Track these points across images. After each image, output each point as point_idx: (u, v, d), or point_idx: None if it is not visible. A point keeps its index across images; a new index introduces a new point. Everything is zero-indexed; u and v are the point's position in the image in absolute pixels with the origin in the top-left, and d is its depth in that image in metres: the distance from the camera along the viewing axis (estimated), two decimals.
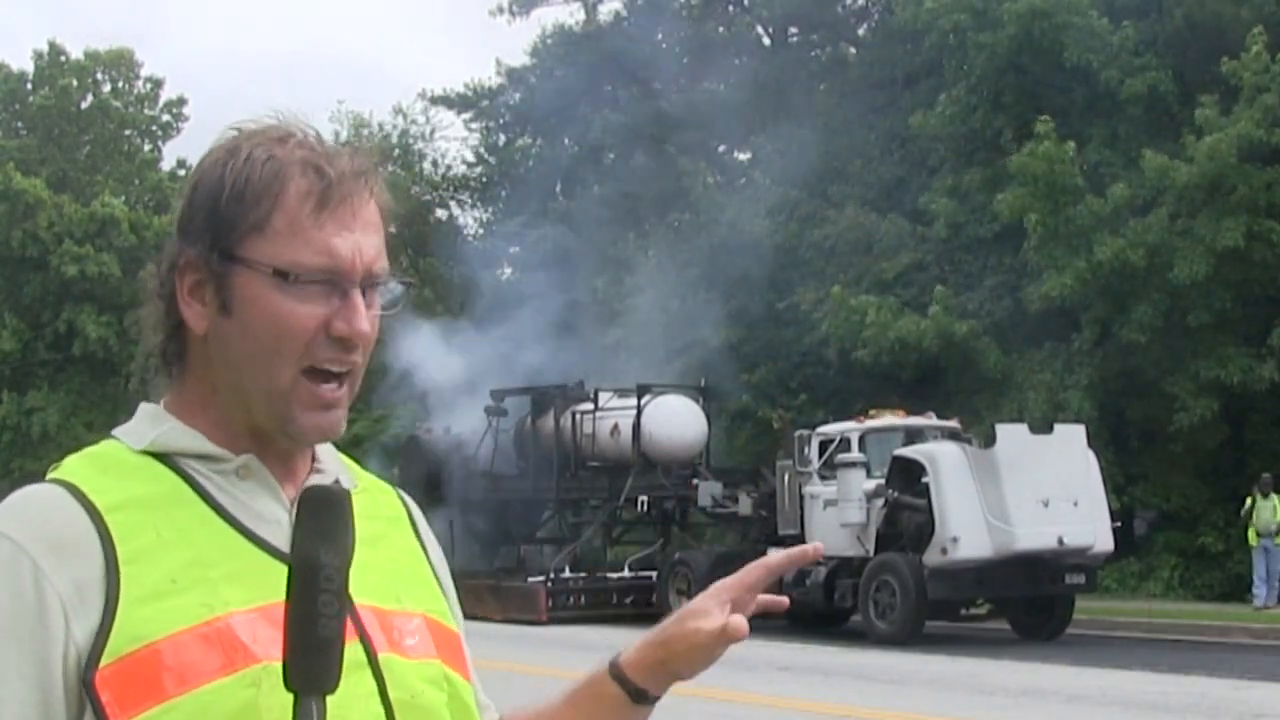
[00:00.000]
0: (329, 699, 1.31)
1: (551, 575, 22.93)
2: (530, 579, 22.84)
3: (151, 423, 1.53)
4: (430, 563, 1.63)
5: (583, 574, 23.41)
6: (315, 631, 1.29)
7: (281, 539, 1.45)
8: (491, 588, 22.28)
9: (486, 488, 24.90)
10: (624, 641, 1.70)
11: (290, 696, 1.31)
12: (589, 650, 17.05)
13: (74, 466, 1.49)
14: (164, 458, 1.49)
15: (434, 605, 1.58)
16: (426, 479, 23.77)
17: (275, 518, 1.49)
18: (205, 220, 1.49)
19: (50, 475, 1.49)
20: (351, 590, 1.33)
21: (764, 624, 20.45)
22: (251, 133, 1.51)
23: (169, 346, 1.53)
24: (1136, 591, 23.43)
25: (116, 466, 1.48)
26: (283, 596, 1.31)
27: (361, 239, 1.49)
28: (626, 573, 23.14)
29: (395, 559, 1.58)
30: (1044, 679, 14.21)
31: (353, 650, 1.37)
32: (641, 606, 21.74)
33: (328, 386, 1.48)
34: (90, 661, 1.37)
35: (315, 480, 1.53)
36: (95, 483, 1.45)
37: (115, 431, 1.54)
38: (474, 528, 24.95)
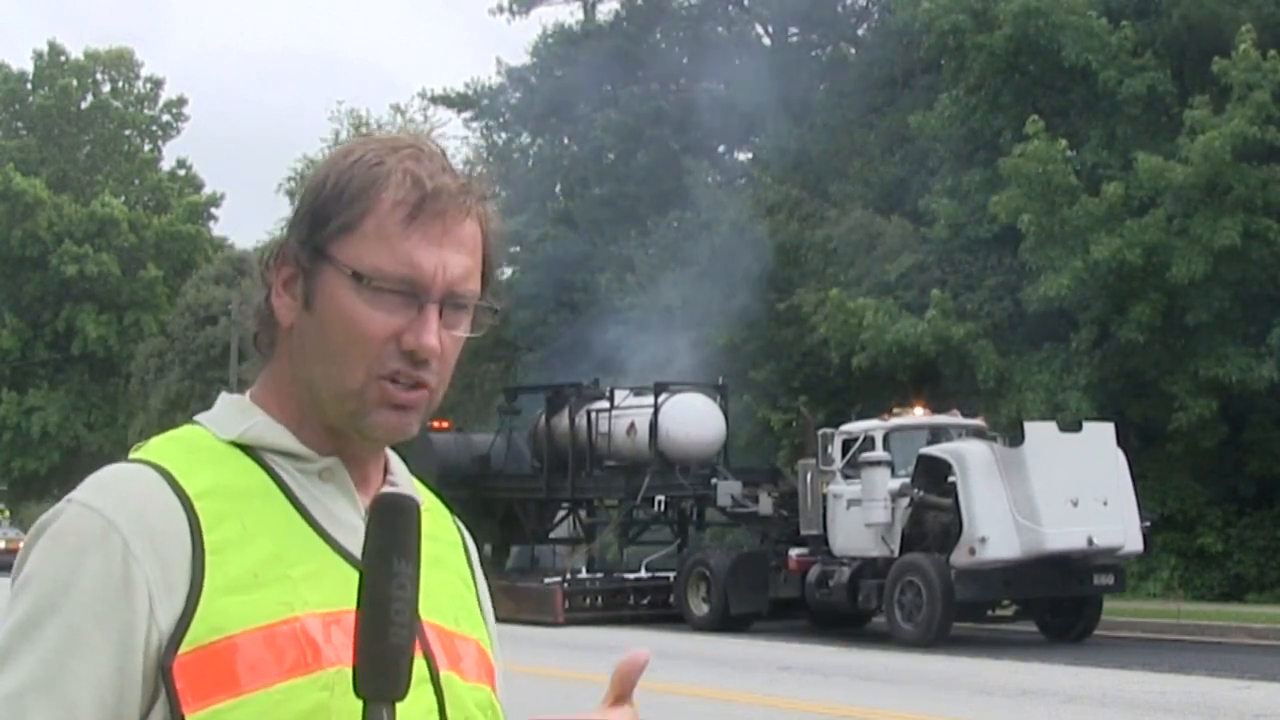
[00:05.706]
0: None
1: (568, 576, 22.71)
2: (546, 580, 22.55)
3: (239, 414, 1.52)
4: (478, 593, 1.65)
5: (599, 574, 23.19)
6: (387, 639, 1.28)
7: (355, 545, 1.44)
8: (506, 588, 21.56)
9: (500, 487, 24.58)
10: (639, 642, 1.85)
11: (361, 703, 1.31)
12: (605, 652, 17.20)
13: (162, 449, 1.48)
14: (249, 450, 1.49)
15: (482, 635, 1.60)
16: (438, 478, 22.91)
17: (350, 523, 1.48)
18: (305, 215, 1.50)
19: (135, 455, 1.48)
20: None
21: (782, 625, 20.66)
22: (372, 139, 1.53)
23: (261, 335, 1.55)
24: (1136, 592, 23.21)
25: (204, 453, 1.47)
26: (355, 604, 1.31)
27: (449, 256, 1.48)
28: (644, 573, 22.79)
29: (452, 583, 1.59)
30: (1044, 679, 14.16)
31: (417, 664, 1.36)
32: (659, 607, 21.64)
33: (398, 387, 1.48)
34: (170, 647, 1.36)
35: (388, 490, 1.52)
36: (185, 467, 1.44)
37: (199, 418, 1.53)
38: (487, 528, 24.34)
